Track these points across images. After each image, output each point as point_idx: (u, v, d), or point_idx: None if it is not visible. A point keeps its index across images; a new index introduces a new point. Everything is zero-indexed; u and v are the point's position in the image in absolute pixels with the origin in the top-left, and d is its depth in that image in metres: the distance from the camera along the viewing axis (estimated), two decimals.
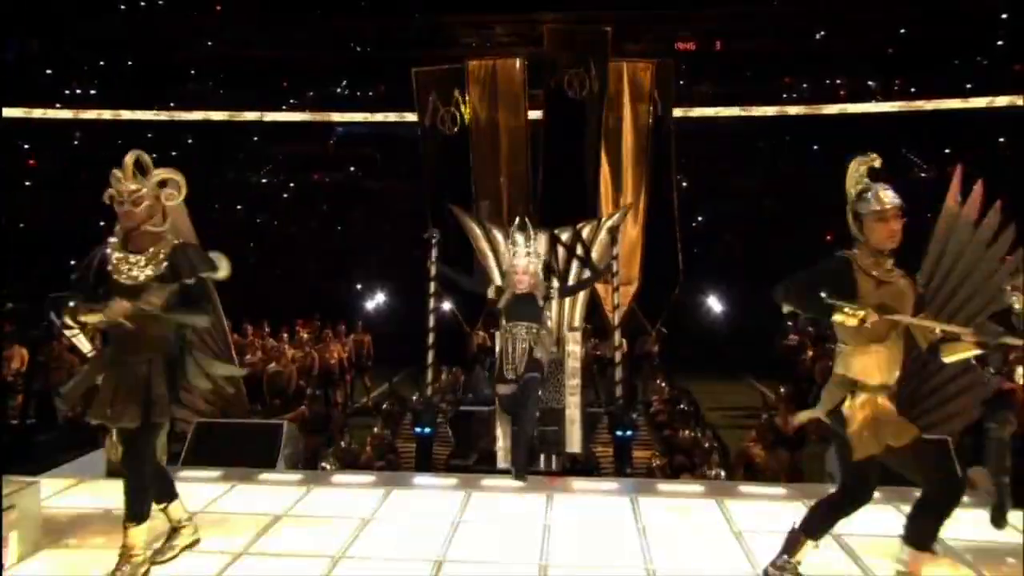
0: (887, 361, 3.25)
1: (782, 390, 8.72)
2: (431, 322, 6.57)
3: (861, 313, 3.03)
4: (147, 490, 3.58)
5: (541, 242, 5.29)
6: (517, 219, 5.48)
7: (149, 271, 3.46)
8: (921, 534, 3.30)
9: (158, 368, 3.51)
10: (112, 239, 3.55)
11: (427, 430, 6.33)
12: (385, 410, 8.13)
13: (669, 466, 6.90)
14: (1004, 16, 20.19)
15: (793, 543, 3.42)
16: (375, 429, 7.08)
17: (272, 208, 27.20)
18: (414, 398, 7.11)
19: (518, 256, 5.26)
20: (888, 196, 3.20)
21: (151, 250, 3.49)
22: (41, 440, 7.40)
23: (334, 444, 6.81)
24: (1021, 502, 4.47)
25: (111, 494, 4.29)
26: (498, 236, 6.82)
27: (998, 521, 4.33)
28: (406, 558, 3.91)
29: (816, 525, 3.43)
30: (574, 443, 5.81)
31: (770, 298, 3.67)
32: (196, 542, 3.93)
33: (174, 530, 3.84)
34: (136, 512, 3.51)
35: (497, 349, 5.31)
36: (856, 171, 3.31)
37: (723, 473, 6.30)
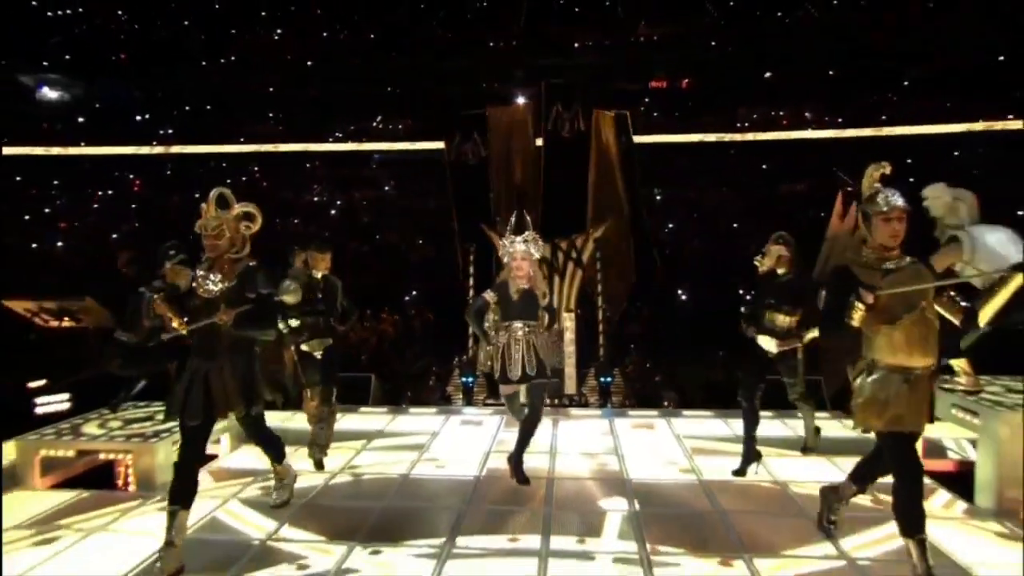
0: (906, 342, 2.88)
1: (720, 354, 9.79)
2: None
3: (860, 305, 2.79)
4: (276, 438, 3.96)
5: (537, 239, 4.44)
6: (514, 214, 4.55)
7: (222, 285, 3.42)
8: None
9: (239, 368, 3.46)
10: (200, 265, 3.51)
11: (470, 379, 7.68)
12: (435, 370, 9.38)
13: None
14: (909, 62, 21.23)
15: (910, 553, 2.91)
16: (430, 382, 8.42)
17: (321, 221, 28.07)
18: (455, 360, 8.37)
19: (516, 243, 4.35)
20: (893, 200, 2.92)
21: (227, 269, 3.46)
22: None
23: (402, 392, 8.19)
24: None
25: (278, 422, 5.66)
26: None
27: (740, 473, 4.57)
28: (464, 454, 5.25)
29: (905, 523, 2.92)
30: (571, 387, 7.22)
31: (725, 288, 4.61)
32: (286, 501, 4.08)
33: (280, 480, 4.11)
34: (279, 455, 3.99)
35: (498, 347, 4.43)
36: (870, 176, 3.05)
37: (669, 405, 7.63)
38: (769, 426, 5.82)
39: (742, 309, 4.70)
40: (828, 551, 3.50)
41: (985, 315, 2.96)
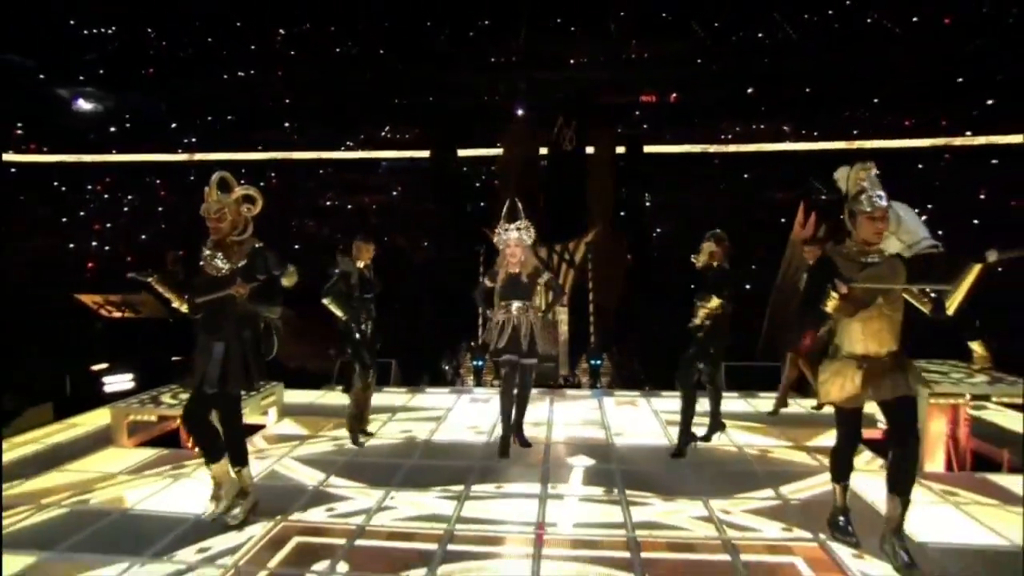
0: (863, 334, 3.05)
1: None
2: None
3: (835, 294, 2.90)
4: (244, 438, 3.72)
5: (530, 227, 4.69)
6: (507, 203, 4.68)
7: (230, 264, 3.38)
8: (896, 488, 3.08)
9: (245, 346, 3.40)
10: (206, 246, 3.46)
11: (480, 363, 8.37)
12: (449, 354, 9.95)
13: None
14: (879, 82, 21.91)
15: (835, 492, 3.44)
16: (445, 367, 9.11)
17: (334, 223, 28.59)
18: (463, 345, 9.03)
19: (509, 232, 4.61)
20: (878, 202, 2.97)
21: (235, 251, 3.42)
22: None
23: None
24: None
25: (312, 399, 6.35)
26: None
27: (706, 439, 5.09)
28: (475, 424, 5.95)
29: (836, 471, 3.40)
30: (564, 368, 7.95)
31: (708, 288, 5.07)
32: (245, 517, 3.69)
33: (238, 495, 3.70)
34: (243, 456, 3.64)
35: (497, 323, 4.77)
36: (856, 175, 3.04)
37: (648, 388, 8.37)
38: (733, 403, 6.55)
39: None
40: (768, 495, 4.19)
41: (952, 306, 3.01)
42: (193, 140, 25.24)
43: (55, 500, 4.03)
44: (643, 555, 3.38)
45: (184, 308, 3.47)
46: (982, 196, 19.05)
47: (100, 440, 5.19)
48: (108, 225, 22.05)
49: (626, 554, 3.40)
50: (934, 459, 4.60)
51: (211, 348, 3.35)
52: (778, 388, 6.11)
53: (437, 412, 6.34)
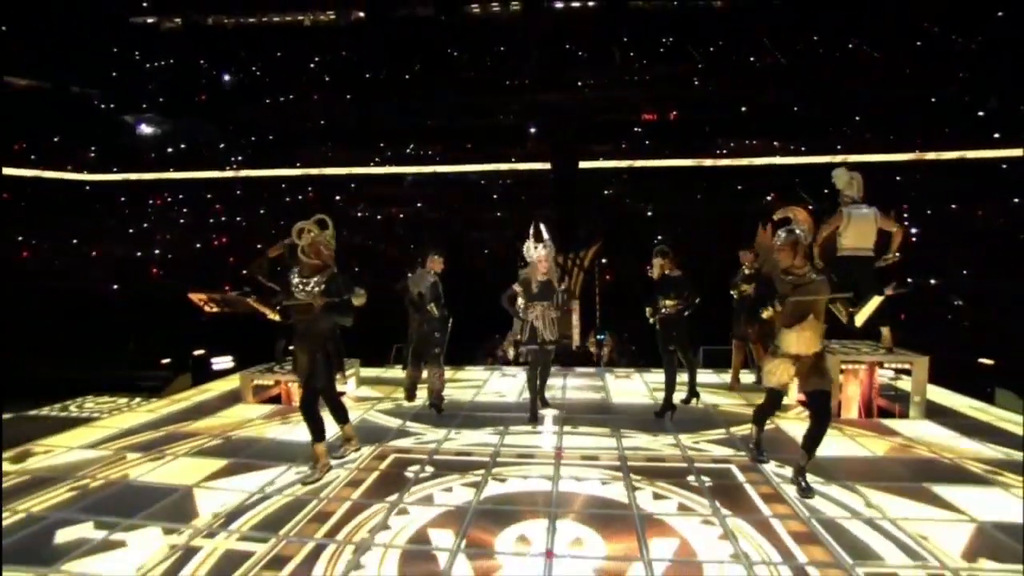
0: (803, 338, 3.87)
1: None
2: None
3: (770, 309, 3.75)
4: (320, 419, 4.47)
5: (552, 244, 5.81)
6: (532, 225, 5.64)
7: (313, 289, 4.13)
8: (806, 447, 4.10)
9: (326, 349, 4.23)
10: (295, 269, 4.25)
11: None
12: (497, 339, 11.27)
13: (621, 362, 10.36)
14: (860, 102, 23.07)
15: (753, 431, 4.70)
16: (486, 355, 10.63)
17: (364, 232, 29.95)
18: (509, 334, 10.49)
19: (537, 248, 5.66)
20: (779, 237, 3.84)
21: (316, 278, 4.12)
22: None
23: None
24: None
25: (378, 373, 7.79)
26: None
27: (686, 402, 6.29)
28: (507, 390, 7.38)
29: (755, 419, 4.66)
30: (577, 342, 9.44)
31: (702, 288, 6.18)
32: (358, 449, 5.02)
33: (347, 440, 4.99)
34: (344, 417, 4.79)
35: (530, 321, 5.74)
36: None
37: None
38: (706, 376, 7.94)
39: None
40: (721, 432, 5.60)
41: (859, 320, 4.11)
42: (239, 159, 26.84)
43: (220, 433, 5.57)
44: (629, 464, 4.81)
45: (276, 317, 4.43)
46: (953, 206, 20.17)
47: (230, 399, 6.72)
48: (168, 236, 23.72)
49: (617, 463, 4.83)
50: (849, 410, 5.98)
51: (307, 355, 4.23)
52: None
53: (477, 382, 7.80)
